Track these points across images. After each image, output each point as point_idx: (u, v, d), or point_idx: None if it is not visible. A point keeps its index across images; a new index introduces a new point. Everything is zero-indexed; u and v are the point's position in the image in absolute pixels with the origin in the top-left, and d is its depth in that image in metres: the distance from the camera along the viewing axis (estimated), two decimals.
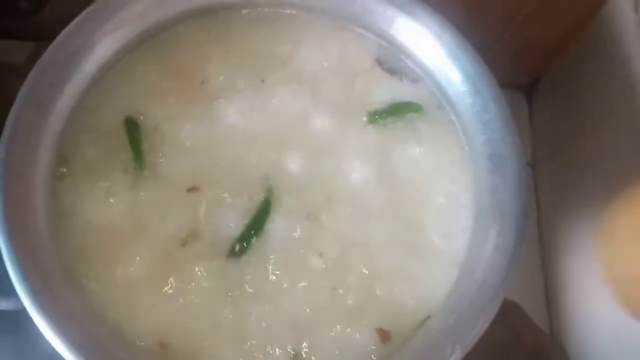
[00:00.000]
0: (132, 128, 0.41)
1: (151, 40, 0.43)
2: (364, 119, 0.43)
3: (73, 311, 0.34)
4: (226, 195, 0.40)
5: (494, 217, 0.36)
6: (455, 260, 0.37)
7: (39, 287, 0.33)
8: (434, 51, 0.41)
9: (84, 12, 0.39)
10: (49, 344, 0.33)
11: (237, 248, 0.38)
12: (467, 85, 0.39)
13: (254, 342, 0.36)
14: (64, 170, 0.39)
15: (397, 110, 0.43)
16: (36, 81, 0.37)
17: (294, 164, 0.42)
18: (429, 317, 0.36)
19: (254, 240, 0.38)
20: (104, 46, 0.40)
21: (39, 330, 0.33)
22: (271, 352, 0.36)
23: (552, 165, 0.63)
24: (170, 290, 0.37)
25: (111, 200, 0.39)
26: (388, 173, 0.41)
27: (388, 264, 0.38)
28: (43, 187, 0.36)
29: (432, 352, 0.32)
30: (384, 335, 0.36)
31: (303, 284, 0.38)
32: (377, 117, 0.43)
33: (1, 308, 0.41)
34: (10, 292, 0.37)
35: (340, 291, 0.38)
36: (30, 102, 0.36)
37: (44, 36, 0.61)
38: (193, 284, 0.38)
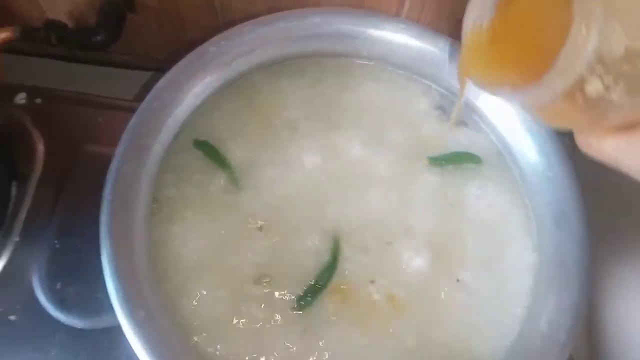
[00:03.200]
0: (208, 148, 0.44)
1: (233, 85, 0.46)
2: (425, 162, 0.46)
3: (162, 331, 0.37)
4: (295, 236, 0.43)
5: (558, 271, 0.38)
6: (518, 311, 0.40)
7: (141, 317, 0.36)
8: (500, 108, 0.44)
9: (176, 66, 0.42)
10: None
11: (305, 298, 0.40)
12: (533, 143, 0.42)
13: None
14: (154, 207, 0.42)
15: (457, 159, 0.46)
16: (136, 128, 0.40)
17: (360, 205, 0.44)
18: None
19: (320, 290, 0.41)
20: (194, 95, 0.43)
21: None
22: None
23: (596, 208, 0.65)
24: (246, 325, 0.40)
25: (193, 234, 0.42)
26: (446, 211, 0.44)
27: (450, 306, 0.41)
28: (141, 225, 0.39)
29: None
30: None
31: (373, 324, 0.41)
32: (437, 162, 0.46)
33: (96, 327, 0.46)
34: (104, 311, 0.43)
35: (402, 333, 0.40)
36: (132, 147, 0.40)
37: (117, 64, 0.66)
38: (268, 322, 0.40)
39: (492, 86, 0.32)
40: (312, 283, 0.41)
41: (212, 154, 0.44)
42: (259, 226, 0.43)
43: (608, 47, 0.23)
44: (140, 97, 0.43)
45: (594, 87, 0.24)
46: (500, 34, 0.32)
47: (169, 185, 0.43)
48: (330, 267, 0.41)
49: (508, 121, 0.44)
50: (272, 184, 0.44)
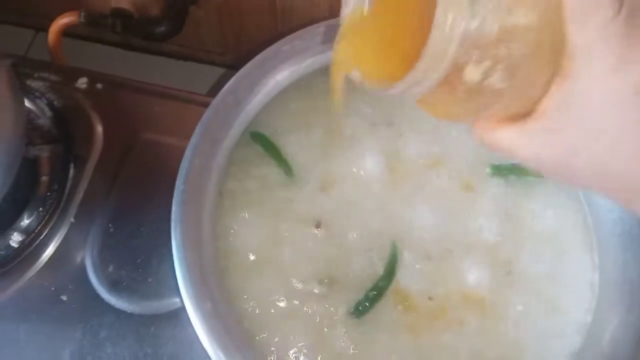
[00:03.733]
0: (264, 141, 0.45)
1: (302, 85, 0.46)
2: (488, 171, 0.46)
3: (228, 325, 0.37)
4: (353, 239, 0.43)
5: (622, 292, 0.38)
6: (578, 328, 0.40)
7: (207, 309, 0.36)
8: None
9: (250, 63, 0.43)
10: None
11: (363, 304, 0.41)
12: None
13: None
14: (219, 200, 0.43)
15: (519, 170, 0.46)
16: (210, 122, 0.41)
17: (420, 212, 0.45)
18: None
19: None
20: (265, 92, 0.43)
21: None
22: None
23: None
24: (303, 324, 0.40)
25: (252, 229, 0.42)
26: (507, 224, 0.44)
27: (507, 320, 0.41)
28: (208, 218, 0.40)
29: None
30: None
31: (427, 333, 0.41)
32: (500, 171, 0.45)
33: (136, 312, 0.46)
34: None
35: (456, 345, 0.40)
36: (205, 140, 0.40)
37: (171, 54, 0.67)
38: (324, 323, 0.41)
39: (369, 79, 0.29)
40: (370, 289, 0.41)
41: (269, 147, 0.45)
42: (315, 225, 0.43)
43: (480, 29, 0.22)
44: (214, 92, 0.43)
45: (471, 73, 0.23)
46: (377, 19, 0.29)
47: (232, 179, 0.43)
48: (389, 275, 0.41)
49: None
50: (329, 185, 0.45)
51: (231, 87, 0.41)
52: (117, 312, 0.48)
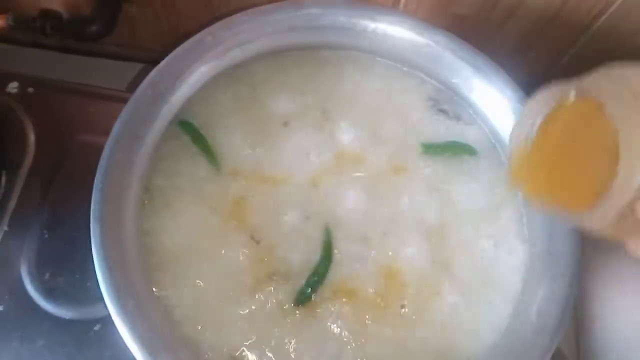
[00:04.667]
0: (192, 130, 0.44)
1: (228, 75, 0.46)
2: (419, 150, 0.46)
3: (154, 324, 0.36)
4: (286, 228, 0.43)
5: (549, 263, 0.38)
6: (508, 299, 0.40)
7: (130, 307, 0.35)
8: (494, 102, 0.44)
9: (172, 54, 0.42)
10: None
11: (305, 292, 0.40)
12: None
13: None
14: (145, 199, 0.42)
15: (451, 148, 0.46)
16: (130, 116, 0.40)
17: (353, 196, 0.44)
18: None
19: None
20: (189, 84, 0.42)
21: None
22: None
23: None
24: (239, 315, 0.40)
25: (182, 224, 0.42)
26: (442, 208, 0.44)
27: (441, 297, 0.41)
28: (132, 215, 0.39)
29: None
30: None
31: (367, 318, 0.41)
32: (431, 149, 0.46)
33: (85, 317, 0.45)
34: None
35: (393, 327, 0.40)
36: (123, 139, 0.39)
37: (109, 55, 0.65)
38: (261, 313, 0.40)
39: (539, 202, 0.35)
40: (310, 276, 0.40)
41: (197, 137, 0.44)
42: (247, 216, 0.43)
43: None
44: (133, 87, 0.42)
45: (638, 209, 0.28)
46: (540, 157, 0.35)
47: (159, 174, 0.43)
48: (325, 260, 0.41)
49: (501, 114, 0.44)
50: (260, 175, 0.44)
51: (151, 80, 0.41)
52: (55, 319, 0.47)
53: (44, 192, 0.51)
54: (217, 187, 0.43)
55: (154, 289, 0.39)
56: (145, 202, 0.41)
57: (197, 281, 0.40)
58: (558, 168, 0.34)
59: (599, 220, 0.30)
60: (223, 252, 0.41)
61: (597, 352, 0.57)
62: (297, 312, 0.40)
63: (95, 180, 0.37)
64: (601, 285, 0.58)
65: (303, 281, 0.41)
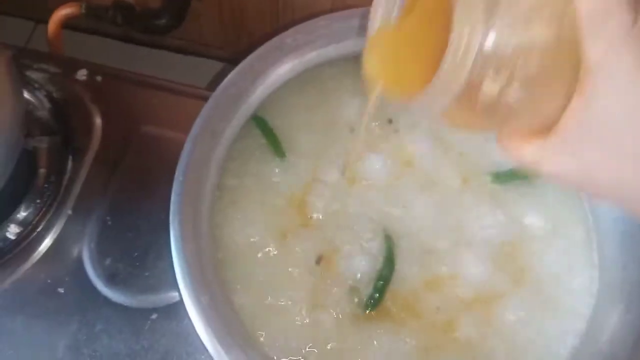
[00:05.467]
0: (264, 127, 0.45)
1: (302, 78, 0.46)
2: (488, 177, 0.46)
3: (228, 320, 0.37)
4: (350, 234, 0.43)
5: (622, 293, 0.38)
6: (578, 329, 0.39)
7: (205, 302, 0.36)
8: None
9: (253, 54, 0.42)
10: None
11: (373, 296, 0.41)
12: None
13: None
14: (217, 194, 0.42)
15: (519, 173, 0.45)
16: (211, 113, 0.40)
17: (419, 208, 0.44)
18: None
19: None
20: (267, 85, 0.43)
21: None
22: None
23: None
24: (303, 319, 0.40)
25: (250, 224, 0.42)
26: (510, 229, 0.44)
27: (505, 319, 0.41)
28: (206, 211, 0.39)
29: None
30: None
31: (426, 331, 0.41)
32: (499, 177, 0.45)
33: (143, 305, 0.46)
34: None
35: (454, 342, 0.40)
36: (203, 135, 0.40)
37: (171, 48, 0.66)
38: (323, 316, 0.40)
39: (392, 91, 0.30)
40: (375, 281, 0.41)
41: (269, 134, 0.45)
42: (313, 220, 0.43)
43: (496, 44, 0.22)
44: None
45: (487, 89, 0.23)
46: (403, 34, 0.29)
47: (231, 174, 0.43)
48: (389, 265, 0.41)
49: None
50: (328, 180, 0.44)
51: (233, 78, 0.41)
52: (114, 305, 0.47)
53: (108, 180, 0.52)
54: (285, 187, 0.43)
55: (223, 286, 0.39)
56: (217, 198, 0.42)
57: (262, 280, 0.41)
58: (408, 54, 0.29)
59: (437, 102, 0.24)
60: (285, 251, 0.42)
61: None
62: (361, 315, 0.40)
63: (176, 173, 0.38)
64: None
65: (369, 286, 0.41)
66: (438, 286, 0.42)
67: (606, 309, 0.38)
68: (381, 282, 0.41)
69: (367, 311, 0.40)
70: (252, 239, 0.42)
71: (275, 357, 0.38)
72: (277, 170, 0.44)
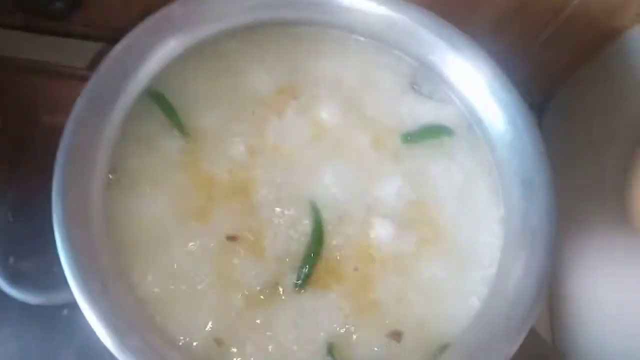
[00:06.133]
0: (164, 103, 0.42)
1: (199, 52, 0.44)
2: (398, 139, 0.45)
3: (121, 306, 0.35)
4: (264, 206, 0.42)
5: (524, 240, 0.38)
6: (485, 278, 0.40)
7: (95, 288, 0.34)
8: (471, 80, 0.44)
9: (138, 27, 0.40)
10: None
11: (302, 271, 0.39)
12: (502, 113, 0.42)
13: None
14: (113, 177, 0.40)
15: (429, 133, 0.45)
16: (94, 92, 0.38)
17: (331, 183, 0.43)
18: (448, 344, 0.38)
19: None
20: (157, 59, 0.41)
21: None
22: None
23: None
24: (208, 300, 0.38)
25: (152, 206, 0.40)
26: (420, 189, 0.43)
27: (421, 275, 0.41)
28: (97, 194, 0.37)
29: None
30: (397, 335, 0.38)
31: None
32: (409, 138, 0.45)
33: (52, 302, 0.44)
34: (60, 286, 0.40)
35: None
36: (87, 114, 0.38)
37: (84, 36, 0.63)
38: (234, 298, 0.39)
39: None
40: (304, 255, 0.39)
41: (168, 110, 0.42)
42: (221, 197, 0.41)
43: None
44: (96, 64, 0.40)
45: None
46: None
47: (128, 155, 0.41)
48: (317, 237, 0.40)
49: (477, 91, 0.44)
50: (236, 154, 0.43)
51: (117, 54, 0.39)
52: (22, 305, 0.45)
53: (8, 175, 0.49)
54: (191, 164, 0.41)
55: (121, 272, 0.37)
56: (113, 182, 0.40)
57: (169, 265, 0.39)
58: None
59: None
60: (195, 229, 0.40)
61: (572, 332, 0.58)
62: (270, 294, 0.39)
63: (58, 156, 0.36)
64: (576, 265, 0.58)
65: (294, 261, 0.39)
66: (353, 251, 0.41)
67: (512, 257, 0.39)
68: (311, 255, 0.40)
69: (297, 287, 0.39)
70: (154, 221, 0.40)
71: (179, 339, 0.36)
72: (179, 148, 0.42)
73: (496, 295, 0.38)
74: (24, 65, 0.53)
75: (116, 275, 0.36)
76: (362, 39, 0.47)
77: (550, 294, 0.63)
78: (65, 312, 0.45)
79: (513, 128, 0.41)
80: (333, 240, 0.40)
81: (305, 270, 0.39)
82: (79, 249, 0.34)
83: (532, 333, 0.55)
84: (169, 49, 0.42)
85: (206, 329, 0.37)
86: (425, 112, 0.46)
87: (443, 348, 0.37)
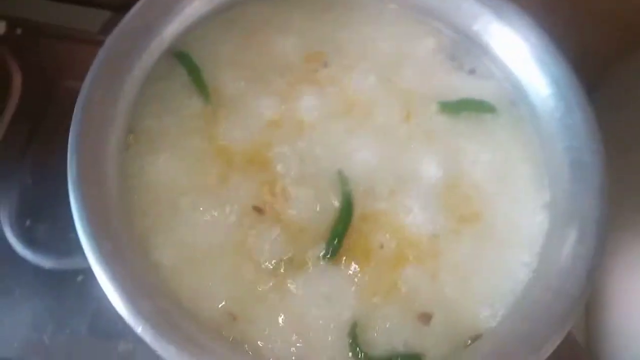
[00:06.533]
0: (185, 59, 0.41)
1: (226, 15, 0.42)
2: (435, 108, 0.42)
3: (137, 274, 0.33)
4: (289, 177, 0.39)
5: (572, 225, 0.35)
6: (527, 264, 0.36)
7: (108, 249, 0.32)
8: (518, 51, 0.40)
9: None
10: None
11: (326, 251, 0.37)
12: (552, 88, 0.38)
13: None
14: (131, 139, 0.38)
15: (468, 106, 0.42)
16: (112, 50, 0.36)
17: (365, 151, 0.40)
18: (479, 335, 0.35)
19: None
20: (181, 19, 0.39)
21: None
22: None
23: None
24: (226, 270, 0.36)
25: (171, 169, 0.38)
26: (457, 166, 0.40)
27: (455, 256, 0.37)
28: (114, 154, 0.36)
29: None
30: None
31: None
32: (447, 108, 0.42)
33: (66, 267, 0.43)
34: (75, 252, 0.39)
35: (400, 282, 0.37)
36: (106, 70, 0.36)
37: (117, 5, 0.61)
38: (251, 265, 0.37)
39: None
40: (334, 228, 0.37)
41: (193, 72, 0.40)
42: (243, 164, 0.39)
43: None
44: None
45: None
46: None
47: (149, 115, 0.39)
48: (346, 211, 0.37)
49: (525, 64, 0.40)
50: (259, 122, 0.40)
51: (140, 10, 0.37)
52: (35, 268, 0.44)
53: (29, 138, 0.48)
54: (212, 128, 0.39)
55: (136, 237, 0.35)
56: (131, 142, 0.38)
57: (185, 232, 0.37)
58: None
59: None
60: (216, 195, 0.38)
61: (608, 338, 0.54)
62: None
63: (75, 111, 0.34)
64: (619, 266, 0.54)
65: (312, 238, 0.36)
66: (383, 228, 0.38)
67: (557, 244, 0.35)
68: (340, 228, 0.37)
69: (323, 260, 0.36)
70: (171, 186, 0.37)
71: (192, 308, 0.34)
72: (201, 112, 0.40)
73: (538, 283, 0.34)
74: (46, 30, 0.52)
75: (130, 239, 0.34)
76: (397, 7, 0.44)
77: (590, 298, 0.59)
78: (79, 278, 0.44)
79: (564, 104, 0.38)
80: (362, 215, 0.38)
81: (334, 244, 0.36)
82: (93, 209, 0.33)
83: (567, 337, 0.52)
84: (193, 8, 0.39)
85: (220, 299, 0.35)
86: (465, 87, 0.43)
87: (475, 337, 0.34)
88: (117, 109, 0.36)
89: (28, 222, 0.45)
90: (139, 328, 0.31)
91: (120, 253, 0.32)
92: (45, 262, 0.44)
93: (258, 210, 0.37)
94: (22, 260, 0.44)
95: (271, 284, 0.36)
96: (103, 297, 0.33)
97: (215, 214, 0.37)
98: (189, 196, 0.37)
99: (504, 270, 0.37)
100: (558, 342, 0.31)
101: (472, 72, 0.43)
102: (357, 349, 0.34)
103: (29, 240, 0.44)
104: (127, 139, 0.38)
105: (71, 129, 0.34)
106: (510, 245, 0.37)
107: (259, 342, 0.34)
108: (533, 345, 0.31)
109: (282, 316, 0.35)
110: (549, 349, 0.31)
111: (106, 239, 0.32)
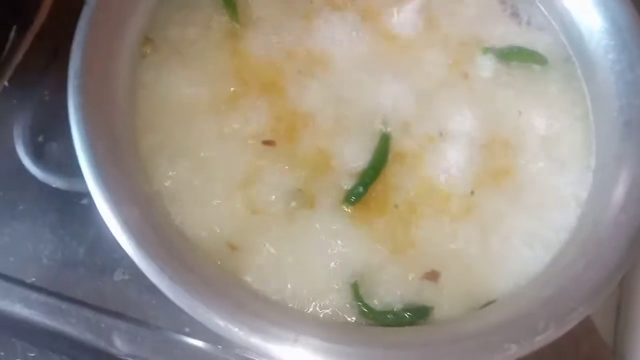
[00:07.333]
0: None
1: None
2: (483, 54, 0.38)
3: (135, 194, 0.31)
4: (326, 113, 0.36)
5: (617, 189, 0.30)
6: (562, 228, 0.32)
7: (103, 155, 0.30)
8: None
9: None
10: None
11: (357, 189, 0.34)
12: (614, 38, 0.34)
13: None
14: (147, 50, 0.36)
15: (518, 55, 0.38)
16: None
17: (395, 101, 0.37)
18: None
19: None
20: None
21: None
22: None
23: None
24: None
25: (189, 84, 0.36)
26: (498, 119, 0.37)
27: (478, 217, 0.34)
28: (126, 58, 0.34)
29: (521, 322, 0.28)
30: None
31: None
32: (496, 55, 0.38)
33: (72, 188, 0.41)
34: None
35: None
36: None
37: None
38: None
39: None
40: (362, 173, 0.34)
41: None
42: (268, 87, 0.36)
43: None
44: None
45: None
46: None
47: (170, 24, 0.37)
48: (381, 155, 0.34)
49: (585, 8, 0.35)
50: (284, 51, 0.37)
51: None
52: (42, 185, 0.42)
53: (54, 54, 0.47)
54: (231, 48, 0.37)
55: (141, 155, 0.33)
56: (147, 52, 0.36)
57: (194, 156, 0.34)
58: None
59: None
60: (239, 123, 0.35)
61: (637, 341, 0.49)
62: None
63: (80, 20, 0.32)
64: None
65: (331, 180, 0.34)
66: (412, 180, 0.35)
67: (599, 207, 0.31)
68: (370, 174, 0.34)
69: (347, 206, 0.34)
70: (185, 103, 0.35)
71: (193, 235, 0.32)
72: (227, 29, 0.37)
73: (572, 250, 0.30)
74: None
75: (136, 159, 0.32)
76: None
77: (619, 294, 0.54)
78: (84, 201, 0.42)
79: (626, 56, 0.33)
80: (392, 164, 0.35)
81: (359, 189, 0.33)
82: (97, 123, 0.31)
83: (594, 332, 0.47)
84: None
85: (222, 230, 0.32)
86: (518, 37, 0.39)
87: (488, 302, 0.31)
88: (134, 11, 0.34)
89: (40, 138, 0.44)
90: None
91: (122, 177, 0.30)
92: (52, 180, 0.42)
93: (270, 142, 0.35)
94: (30, 176, 0.42)
95: (277, 216, 0.33)
96: (102, 223, 0.31)
97: (227, 138, 0.34)
98: (203, 114, 0.35)
99: (537, 233, 0.33)
100: (582, 316, 0.27)
101: (528, 23, 0.39)
102: (360, 299, 0.31)
103: (39, 156, 0.43)
104: (144, 48, 0.36)
105: (75, 36, 0.32)
106: (547, 208, 0.34)
107: (253, 275, 0.31)
108: (553, 314, 0.27)
109: (284, 251, 0.32)
110: (571, 321, 0.27)
111: (110, 163, 0.30)
